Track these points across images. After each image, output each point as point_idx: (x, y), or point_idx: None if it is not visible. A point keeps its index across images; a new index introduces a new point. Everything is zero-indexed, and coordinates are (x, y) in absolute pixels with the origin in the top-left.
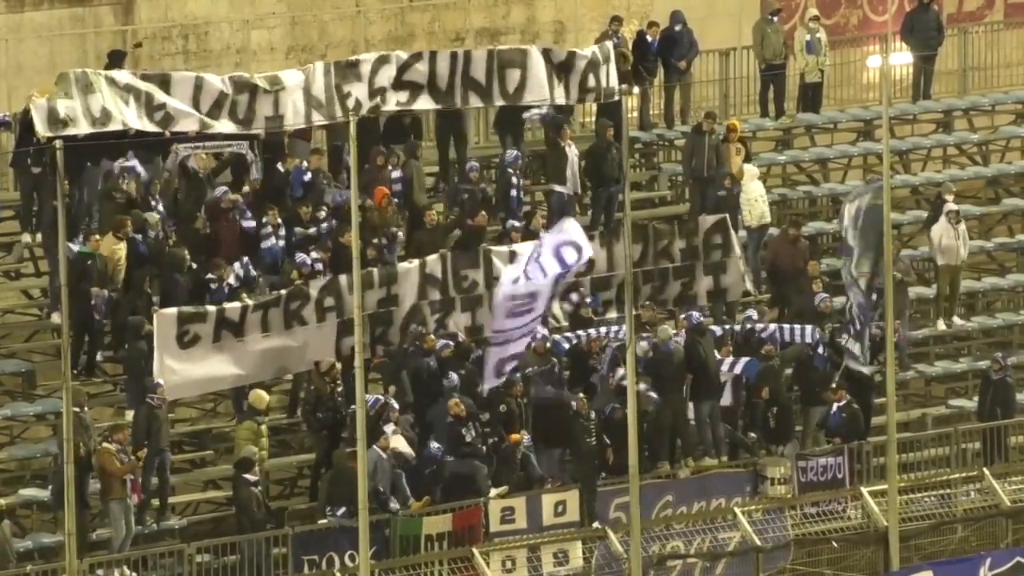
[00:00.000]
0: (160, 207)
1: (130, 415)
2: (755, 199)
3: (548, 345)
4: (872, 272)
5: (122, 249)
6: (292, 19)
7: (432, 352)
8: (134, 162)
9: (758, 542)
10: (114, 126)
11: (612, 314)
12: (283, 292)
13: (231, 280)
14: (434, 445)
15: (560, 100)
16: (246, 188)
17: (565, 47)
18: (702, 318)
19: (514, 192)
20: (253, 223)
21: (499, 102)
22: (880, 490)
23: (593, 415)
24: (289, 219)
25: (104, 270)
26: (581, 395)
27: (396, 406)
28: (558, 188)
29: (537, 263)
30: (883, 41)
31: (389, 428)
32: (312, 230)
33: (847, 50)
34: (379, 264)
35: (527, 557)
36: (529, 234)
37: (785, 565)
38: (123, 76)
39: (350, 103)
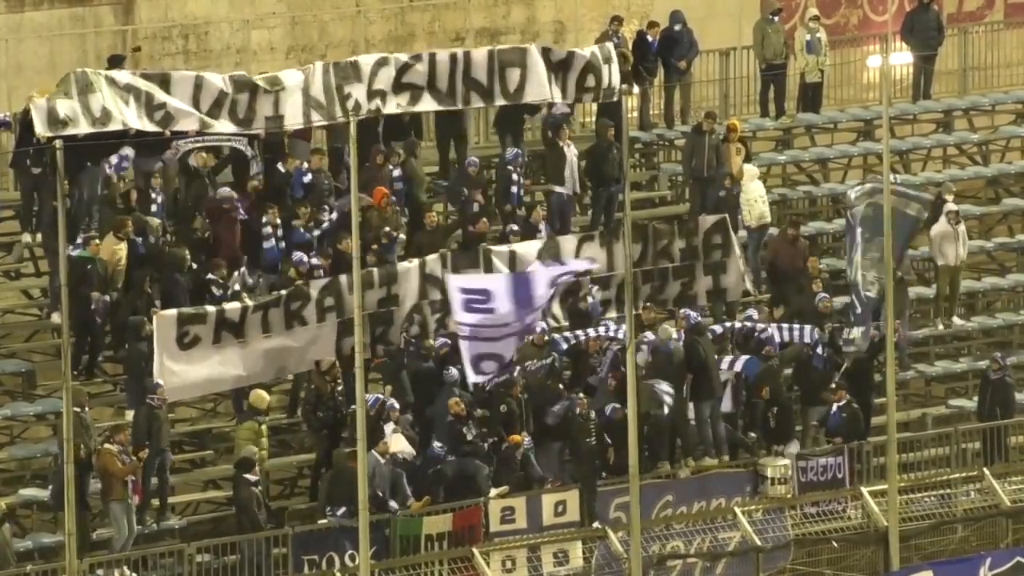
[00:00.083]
0: (160, 199)
1: (130, 415)
2: (755, 199)
3: (546, 338)
4: (878, 261)
5: (122, 249)
6: (292, 19)
7: (431, 356)
8: (127, 151)
9: (758, 542)
10: (114, 126)
11: (612, 314)
12: (283, 292)
13: (236, 287)
14: (437, 445)
15: (558, 99)
16: (249, 188)
17: (565, 47)
18: (700, 318)
19: (515, 189)
20: (245, 215)
21: (500, 102)
22: (880, 490)
23: (593, 415)
24: (289, 219)
25: (104, 275)
26: (581, 395)
27: (396, 406)
28: (557, 189)
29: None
30: (883, 41)
31: (389, 427)
32: (315, 232)
33: (847, 50)
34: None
35: (527, 557)
36: (529, 228)
37: (785, 565)
38: (123, 76)
39: (350, 104)
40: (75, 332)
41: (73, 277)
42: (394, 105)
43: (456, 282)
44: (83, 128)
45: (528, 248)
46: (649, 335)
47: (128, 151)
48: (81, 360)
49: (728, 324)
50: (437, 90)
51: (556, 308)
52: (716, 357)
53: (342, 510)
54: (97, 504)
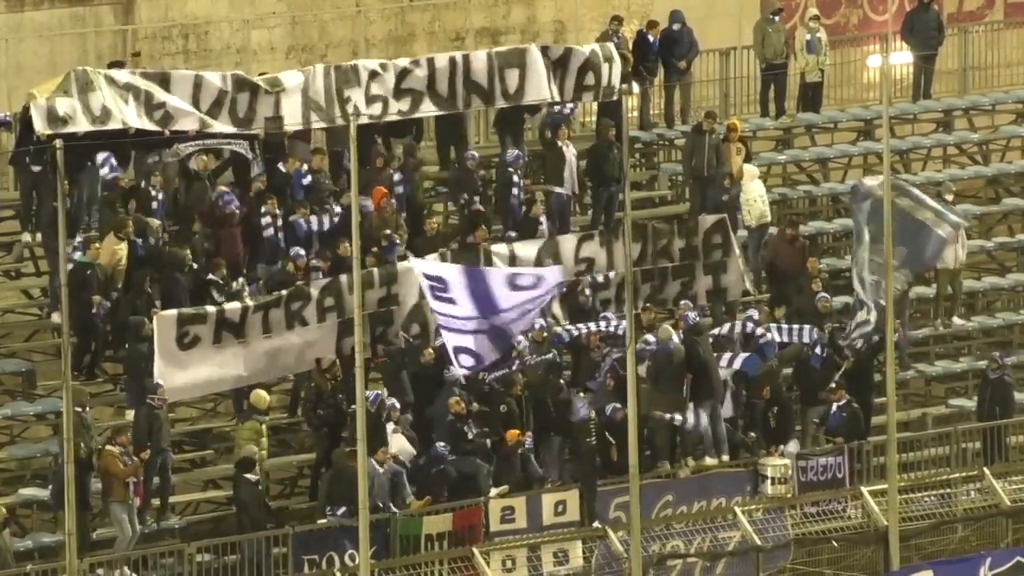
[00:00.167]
0: (160, 196)
1: (130, 415)
2: (755, 199)
3: (545, 335)
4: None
5: (123, 249)
6: (292, 19)
7: (430, 364)
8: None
9: (758, 542)
10: (114, 124)
11: (611, 313)
12: (284, 293)
13: (246, 296)
14: (440, 445)
15: (558, 97)
16: (253, 190)
17: None
18: (698, 318)
19: (515, 190)
20: (238, 209)
21: (501, 103)
22: (880, 490)
23: (594, 415)
24: (288, 216)
25: (104, 279)
26: (582, 395)
27: (397, 405)
28: (556, 189)
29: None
30: (883, 41)
31: (390, 427)
32: (314, 226)
33: (847, 50)
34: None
35: (527, 557)
36: (529, 223)
37: (785, 565)
38: (122, 75)
39: (349, 108)
40: (76, 334)
41: (73, 282)
42: (395, 111)
43: (419, 267)
44: (83, 126)
45: (528, 248)
46: (650, 338)
47: (110, 157)
48: (83, 360)
49: (729, 324)
50: (437, 94)
51: (556, 308)
52: (716, 355)
53: (342, 510)
54: (98, 504)
